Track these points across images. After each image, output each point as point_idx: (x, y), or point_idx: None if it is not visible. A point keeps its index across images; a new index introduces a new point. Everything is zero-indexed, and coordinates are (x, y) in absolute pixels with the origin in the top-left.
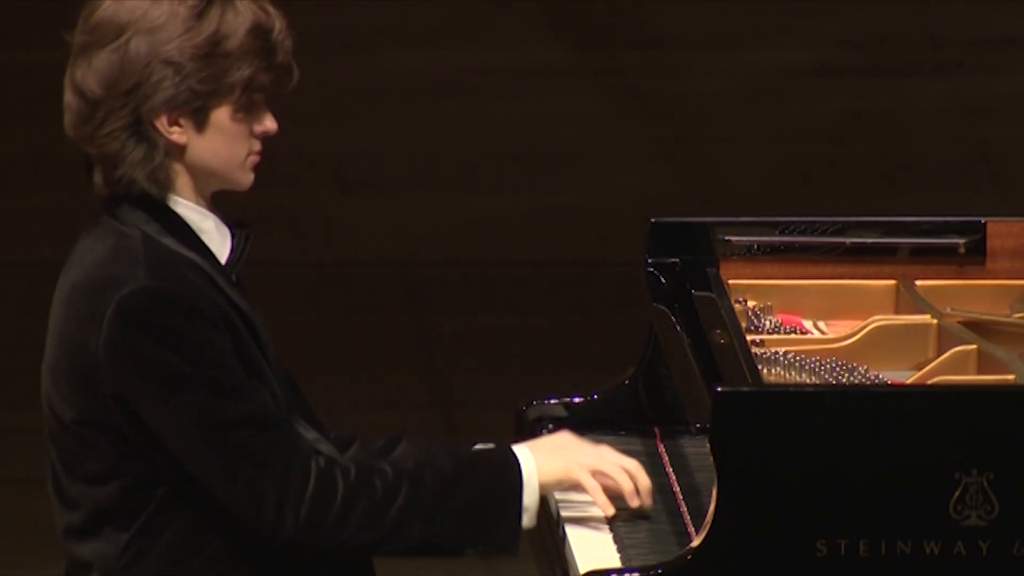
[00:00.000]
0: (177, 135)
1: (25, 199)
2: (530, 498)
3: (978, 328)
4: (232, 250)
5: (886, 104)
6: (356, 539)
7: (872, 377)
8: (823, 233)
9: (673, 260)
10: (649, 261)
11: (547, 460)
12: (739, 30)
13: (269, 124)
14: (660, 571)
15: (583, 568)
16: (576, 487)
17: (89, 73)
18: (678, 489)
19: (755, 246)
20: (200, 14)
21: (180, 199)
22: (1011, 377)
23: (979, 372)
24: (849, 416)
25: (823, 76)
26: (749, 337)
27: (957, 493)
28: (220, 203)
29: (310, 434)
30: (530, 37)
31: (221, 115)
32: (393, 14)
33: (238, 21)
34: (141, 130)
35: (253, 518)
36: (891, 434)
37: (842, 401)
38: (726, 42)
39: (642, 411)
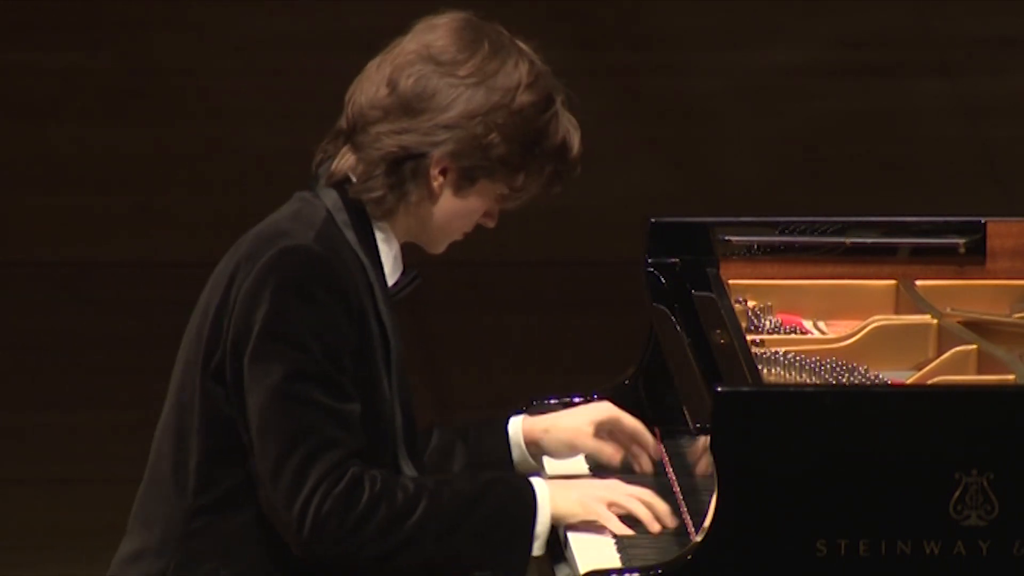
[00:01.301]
0: (437, 185)
1: (24, 199)
2: (542, 527)
3: (978, 328)
4: (397, 282)
5: (886, 104)
6: (370, 547)
7: (872, 377)
8: (823, 233)
9: (673, 260)
10: (649, 261)
11: (562, 493)
12: (739, 30)
13: (492, 221)
14: (660, 571)
15: (583, 568)
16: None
17: (418, 85)
18: (678, 489)
19: (755, 246)
20: (541, 106)
21: (385, 224)
22: (1011, 377)
23: (979, 372)
24: (849, 416)
25: (823, 76)
26: (749, 337)
27: (957, 493)
28: None
29: (410, 471)
30: (530, 37)
31: (481, 193)
32: (393, 14)
33: (560, 130)
34: (418, 162)
35: (285, 502)
36: (891, 434)
37: (842, 401)
38: (726, 42)
39: (642, 411)
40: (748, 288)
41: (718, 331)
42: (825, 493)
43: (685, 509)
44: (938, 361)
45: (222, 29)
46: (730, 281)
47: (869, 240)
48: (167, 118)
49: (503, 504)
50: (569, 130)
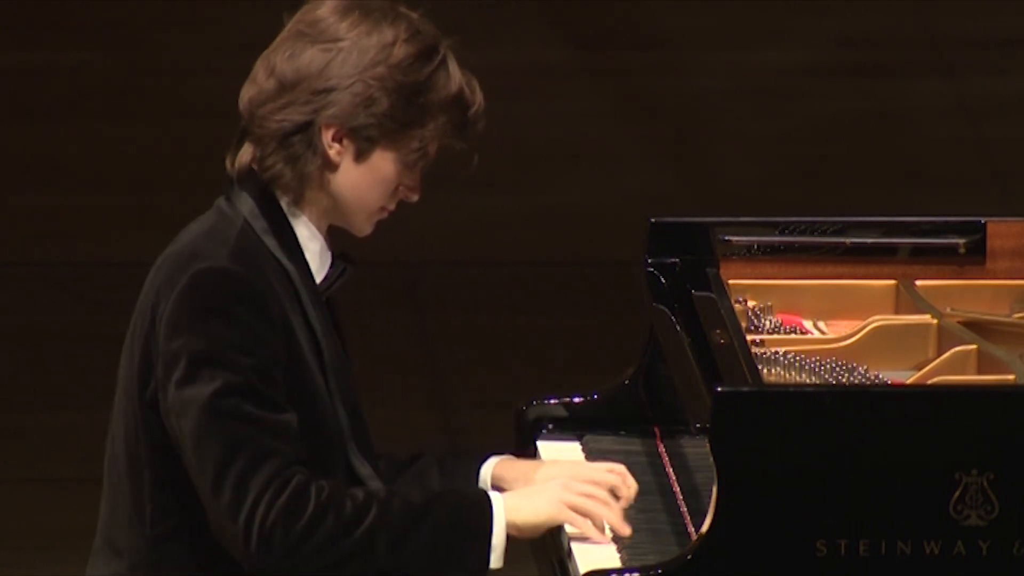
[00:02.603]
0: (335, 152)
1: (23, 199)
2: (498, 537)
3: (978, 328)
4: (326, 277)
5: (886, 104)
6: (318, 557)
7: (872, 377)
8: (823, 233)
9: (673, 260)
10: (649, 261)
11: (522, 504)
12: (739, 30)
13: (414, 194)
14: (660, 571)
15: (583, 568)
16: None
17: (292, 60)
18: (678, 489)
19: (755, 246)
20: (419, 58)
21: (301, 214)
22: (1011, 377)
23: (979, 372)
24: (849, 416)
25: (823, 76)
26: (749, 337)
27: (957, 493)
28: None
29: (364, 469)
30: (530, 37)
31: (382, 158)
32: None
33: (448, 81)
34: (309, 131)
35: (228, 517)
36: (891, 434)
37: (842, 401)
38: (726, 42)
39: (642, 411)
40: (748, 288)
41: (718, 331)
42: (825, 493)
43: (685, 509)
44: (938, 361)
45: (224, 29)
46: (730, 281)
47: (869, 240)
48: (168, 118)
49: (456, 514)
50: (463, 83)
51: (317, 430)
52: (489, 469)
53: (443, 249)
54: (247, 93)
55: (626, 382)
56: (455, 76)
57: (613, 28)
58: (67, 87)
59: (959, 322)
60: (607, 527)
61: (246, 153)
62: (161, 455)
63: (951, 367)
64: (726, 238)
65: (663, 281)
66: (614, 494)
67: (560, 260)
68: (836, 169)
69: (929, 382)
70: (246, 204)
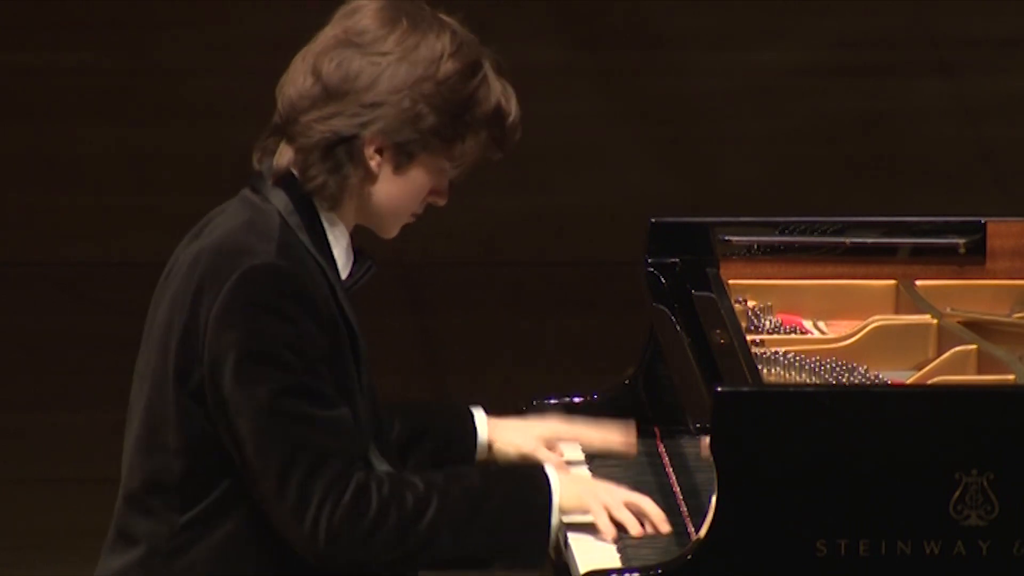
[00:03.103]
0: (375, 164)
1: (24, 199)
2: (556, 517)
3: (978, 328)
4: (351, 274)
5: (886, 104)
6: (387, 552)
7: (872, 377)
8: (823, 233)
9: (673, 260)
10: (649, 261)
11: (568, 485)
12: (739, 30)
13: (442, 198)
14: (660, 571)
15: (583, 568)
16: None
17: (340, 68)
18: (678, 489)
19: (755, 246)
20: (466, 74)
21: (334, 215)
22: (1011, 377)
23: (979, 372)
24: (849, 416)
25: (823, 76)
26: (749, 337)
27: (957, 493)
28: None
29: (382, 466)
30: (530, 37)
31: (420, 170)
32: None
33: (490, 95)
34: (354, 144)
35: (293, 519)
36: (891, 434)
37: (842, 401)
38: (726, 42)
39: (642, 411)
40: (748, 288)
41: (718, 331)
42: (825, 493)
43: (685, 509)
44: (938, 361)
45: (223, 29)
46: (730, 281)
47: (869, 240)
48: (167, 118)
49: (517, 493)
50: (502, 95)
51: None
52: (484, 424)
53: (443, 249)
54: (288, 92)
55: (626, 382)
56: (495, 89)
57: (613, 28)
58: (67, 87)
59: (959, 322)
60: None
61: (285, 155)
62: (194, 444)
63: (951, 367)
64: (726, 238)
65: (663, 281)
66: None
67: (560, 260)
68: (836, 169)
69: (929, 382)
70: (279, 198)
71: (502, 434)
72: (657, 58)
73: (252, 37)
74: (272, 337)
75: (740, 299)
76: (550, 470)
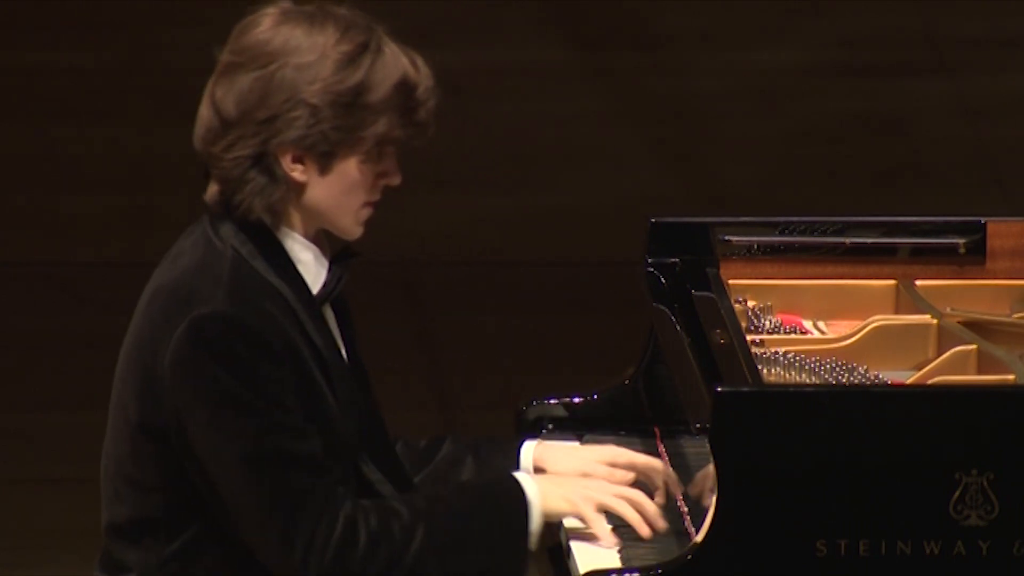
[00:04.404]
0: (298, 174)
1: (24, 199)
2: (535, 524)
3: (978, 328)
4: (325, 284)
5: (886, 104)
6: None
7: (872, 377)
8: (823, 233)
9: (673, 260)
10: (649, 261)
11: (552, 489)
12: (739, 30)
13: (394, 178)
14: (660, 571)
15: (583, 568)
16: (578, 517)
17: (230, 93)
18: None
19: (755, 246)
20: (350, 61)
21: (288, 230)
22: (1011, 377)
23: (979, 372)
24: (849, 416)
25: (823, 76)
26: (749, 337)
27: (957, 493)
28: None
29: (374, 475)
30: (530, 37)
31: (347, 163)
32: (392, 14)
33: (386, 74)
34: (266, 162)
35: (280, 559)
36: (891, 434)
37: (842, 401)
38: (726, 42)
39: (642, 411)
40: (748, 288)
41: (718, 331)
42: (825, 493)
43: (685, 509)
44: (938, 361)
45: (224, 28)
46: (730, 281)
47: (869, 240)
48: (168, 118)
49: (499, 511)
50: (406, 67)
51: (329, 444)
52: (529, 455)
53: (443, 249)
54: (196, 131)
55: (626, 382)
56: (393, 64)
57: (613, 28)
58: (66, 87)
59: (959, 322)
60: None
61: (212, 190)
62: (174, 479)
63: (951, 367)
64: (726, 238)
65: (663, 281)
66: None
67: (560, 260)
68: (836, 169)
69: (929, 382)
70: (230, 231)
71: (566, 459)
72: (657, 58)
73: None
74: (230, 385)
75: (740, 299)
76: (525, 479)
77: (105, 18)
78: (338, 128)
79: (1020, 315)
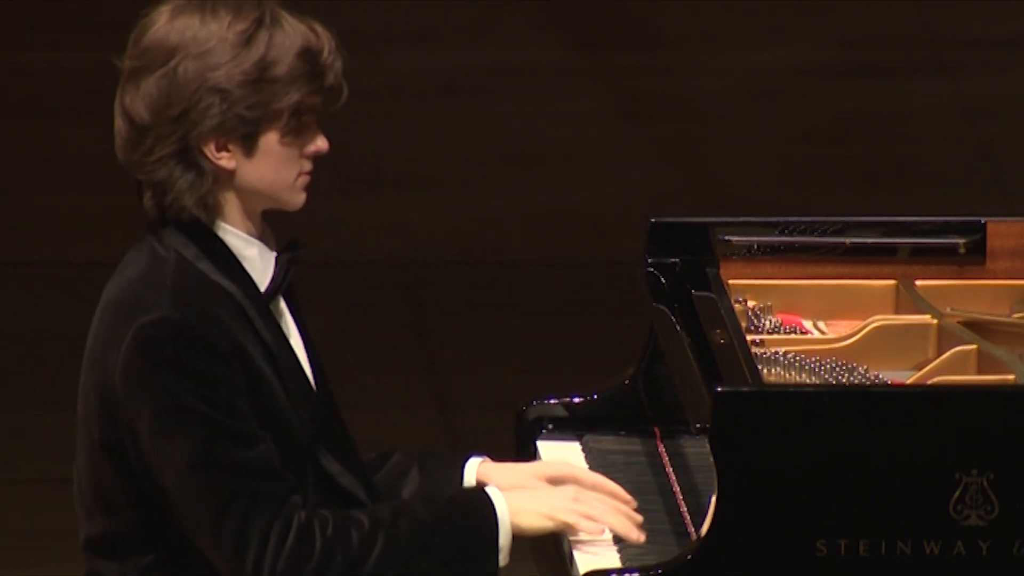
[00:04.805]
0: (225, 160)
1: (24, 199)
2: (504, 539)
3: (978, 328)
4: (273, 278)
5: (886, 104)
6: None
7: (872, 377)
8: (823, 233)
9: (673, 260)
10: (649, 261)
11: (525, 506)
12: (739, 30)
13: (320, 144)
14: (660, 571)
15: (583, 568)
16: (562, 529)
17: (138, 98)
18: (678, 489)
19: (755, 246)
20: (248, 39)
21: (228, 226)
22: (1011, 377)
23: (979, 372)
24: (849, 416)
25: (823, 76)
26: (749, 337)
27: (957, 493)
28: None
29: (333, 467)
30: (530, 37)
31: (270, 140)
32: (392, 14)
33: (286, 44)
34: (189, 156)
35: (233, 566)
36: (891, 434)
37: (842, 401)
38: (726, 42)
39: (642, 411)
40: (748, 288)
41: (718, 331)
42: (825, 493)
43: (685, 509)
44: (938, 361)
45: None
46: (730, 281)
47: (869, 240)
48: None
49: (464, 525)
50: (301, 33)
51: (284, 441)
52: (473, 471)
53: (443, 249)
54: (117, 144)
55: (626, 382)
56: (292, 34)
57: (613, 28)
58: (67, 87)
59: (959, 322)
60: (608, 531)
61: (145, 196)
62: (139, 496)
63: (951, 367)
64: (726, 238)
65: (663, 281)
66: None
67: (560, 260)
68: (836, 169)
69: (929, 382)
70: (173, 236)
71: (509, 478)
72: (657, 58)
73: None
74: (178, 391)
75: (740, 299)
76: (495, 493)
77: (105, 18)
78: (252, 107)
79: (1020, 315)
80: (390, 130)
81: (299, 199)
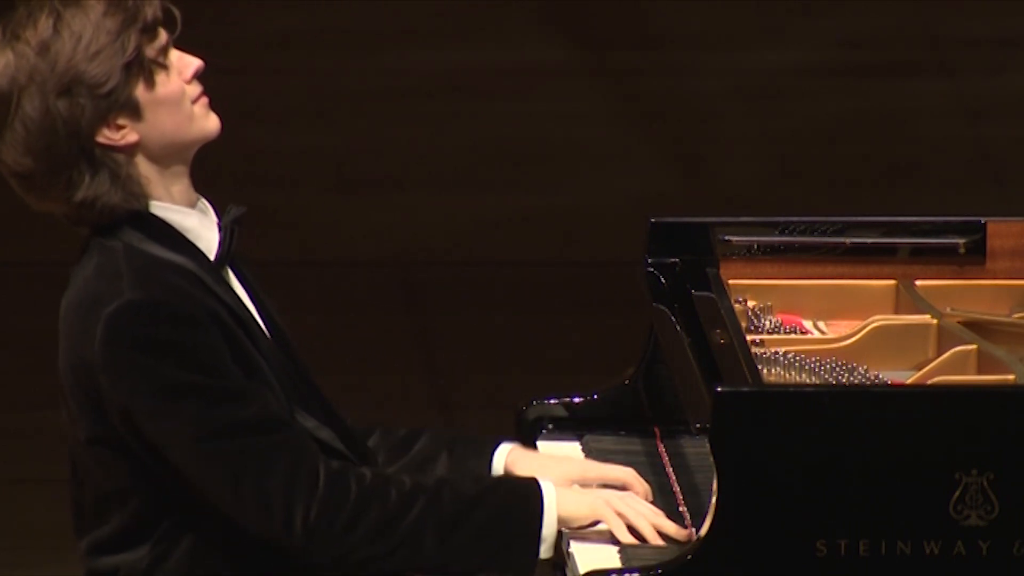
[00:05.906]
0: (126, 134)
1: (22, 199)
2: (548, 529)
3: (978, 328)
4: (220, 243)
5: (886, 104)
6: (366, 548)
7: (872, 377)
8: (823, 233)
9: (673, 260)
10: (649, 261)
11: (571, 496)
12: (739, 30)
13: (191, 62)
14: (660, 571)
15: (583, 568)
16: (598, 523)
17: (15, 150)
18: (678, 489)
19: (755, 246)
20: (49, 41)
21: (159, 203)
22: (1011, 377)
23: (979, 372)
24: (849, 416)
25: (823, 76)
26: (749, 337)
27: (957, 493)
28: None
29: (308, 422)
30: (530, 37)
31: (143, 93)
32: (392, 14)
33: (90, 16)
34: (94, 160)
35: (262, 525)
36: (891, 434)
37: (842, 401)
38: (726, 42)
39: (642, 411)
40: (748, 288)
41: (718, 331)
42: (825, 493)
43: (685, 509)
44: (938, 361)
45: (224, 28)
46: (730, 281)
47: (869, 240)
48: None
49: (507, 505)
50: (100, 3)
51: (274, 394)
52: (502, 458)
53: (443, 249)
54: (28, 200)
55: (626, 382)
56: (86, 3)
57: (613, 28)
58: None
59: (959, 322)
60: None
61: (78, 220)
62: (147, 485)
63: (951, 367)
64: (726, 238)
65: (663, 281)
66: None
67: (560, 260)
68: (836, 169)
69: (929, 382)
70: (115, 230)
71: (540, 469)
72: (657, 58)
73: (252, 37)
74: (163, 370)
75: (740, 299)
76: (546, 484)
77: None
78: (105, 79)
79: (1020, 315)
80: (390, 130)
81: (210, 124)
